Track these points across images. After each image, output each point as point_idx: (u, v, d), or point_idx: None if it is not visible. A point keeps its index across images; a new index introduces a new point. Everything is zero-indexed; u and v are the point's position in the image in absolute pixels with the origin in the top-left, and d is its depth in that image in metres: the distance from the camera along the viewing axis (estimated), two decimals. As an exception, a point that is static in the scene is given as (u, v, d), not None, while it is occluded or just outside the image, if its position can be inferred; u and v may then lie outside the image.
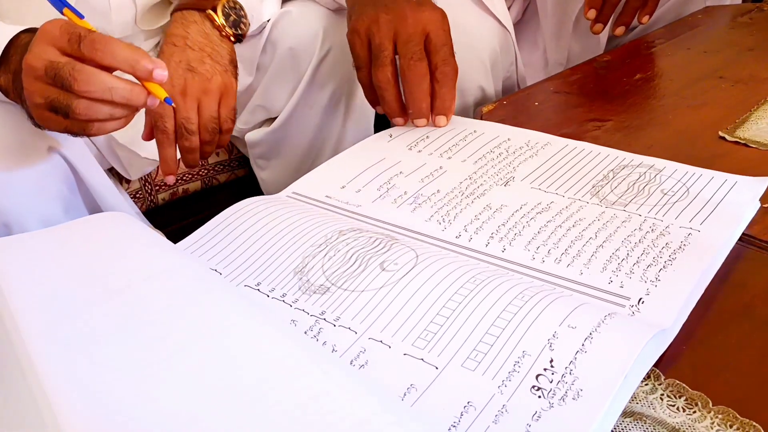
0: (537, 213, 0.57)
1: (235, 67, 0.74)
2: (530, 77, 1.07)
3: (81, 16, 0.54)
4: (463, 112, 0.91)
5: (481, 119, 0.78)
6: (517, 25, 1.12)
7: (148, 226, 0.76)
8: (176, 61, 0.69)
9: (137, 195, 0.91)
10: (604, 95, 0.84)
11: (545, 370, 0.39)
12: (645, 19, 0.93)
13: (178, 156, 0.70)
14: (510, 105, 0.83)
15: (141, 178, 0.89)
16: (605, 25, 0.94)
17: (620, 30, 0.94)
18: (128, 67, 0.52)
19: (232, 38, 0.74)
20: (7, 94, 0.60)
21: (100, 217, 0.61)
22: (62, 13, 0.54)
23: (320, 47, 0.83)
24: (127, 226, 0.57)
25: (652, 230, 0.53)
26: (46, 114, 0.53)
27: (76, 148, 0.68)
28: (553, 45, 1.09)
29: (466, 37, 0.89)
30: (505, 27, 0.96)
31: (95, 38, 0.51)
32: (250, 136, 0.92)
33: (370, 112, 0.91)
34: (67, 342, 0.42)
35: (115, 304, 0.45)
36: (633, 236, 0.52)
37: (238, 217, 0.59)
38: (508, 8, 1.08)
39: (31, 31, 0.58)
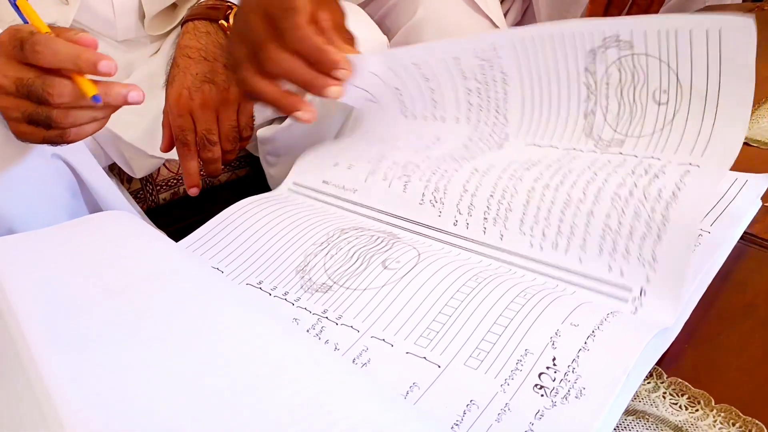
0: (525, 170, 0.53)
1: None
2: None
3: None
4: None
5: None
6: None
7: (151, 225, 0.76)
8: (193, 74, 0.68)
9: (138, 195, 0.91)
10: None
11: (548, 368, 0.39)
12: None
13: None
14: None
15: (142, 177, 0.89)
16: None
17: None
18: (72, 65, 0.49)
19: None
20: None
21: (101, 216, 0.61)
22: (15, 5, 0.52)
23: None
24: (128, 224, 0.57)
25: (647, 172, 0.49)
26: (24, 127, 0.52)
27: (78, 150, 0.68)
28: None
29: (459, 37, 0.88)
30: (499, 28, 0.95)
31: (36, 40, 0.48)
32: (261, 133, 0.92)
33: None
34: (68, 341, 0.42)
35: (117, 303, 0.45)
36: (624, 185, 0.48)
37: (240, 215, 0.59)
38: (507, 11, 1.07)
39: None
